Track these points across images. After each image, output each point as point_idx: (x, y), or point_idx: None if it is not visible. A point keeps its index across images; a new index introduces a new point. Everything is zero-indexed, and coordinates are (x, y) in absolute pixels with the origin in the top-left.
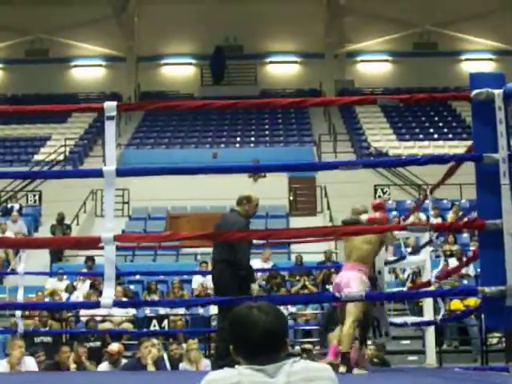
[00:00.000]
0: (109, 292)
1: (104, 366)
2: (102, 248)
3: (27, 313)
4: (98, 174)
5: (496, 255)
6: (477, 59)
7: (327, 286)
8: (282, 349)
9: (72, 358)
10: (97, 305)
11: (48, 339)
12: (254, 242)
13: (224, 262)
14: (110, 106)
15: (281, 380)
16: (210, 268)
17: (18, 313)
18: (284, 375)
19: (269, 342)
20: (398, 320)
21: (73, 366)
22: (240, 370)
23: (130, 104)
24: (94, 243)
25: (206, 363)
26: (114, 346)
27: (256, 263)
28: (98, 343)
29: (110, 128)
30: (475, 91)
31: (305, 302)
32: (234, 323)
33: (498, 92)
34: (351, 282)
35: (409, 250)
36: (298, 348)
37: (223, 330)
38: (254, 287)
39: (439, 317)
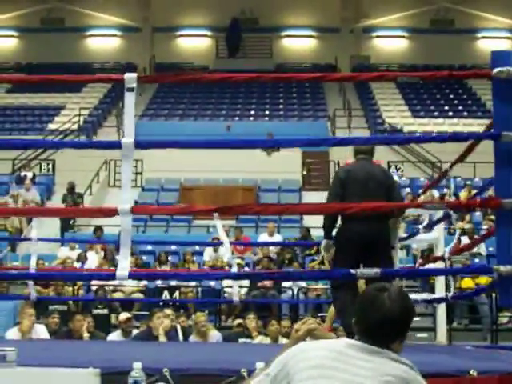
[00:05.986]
0: (124, 264)
1: (115, 336)
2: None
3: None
4: (117, 145)
5: None
6: (493, 37)
7: None
8: (398, 338)
9: (85, 326)
10: (112, 277)
11: (63, 307)
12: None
13: None
14: (131, 77)
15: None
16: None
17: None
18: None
19: (385, 329)
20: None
21: (86, 335)
22: (342, 341)
23: (151, 76)
24: (111, 214)
25: (215, 335)
26: (123, 315)
27: (262, 237)
28: (106, 311)
29: (130, 100)
30: (496, 69)
31: (316, 278)
32: (361, 299)
33: None
34: None
35: (421, 226)
36: None
37: None
38: None
39: (450, 294)
